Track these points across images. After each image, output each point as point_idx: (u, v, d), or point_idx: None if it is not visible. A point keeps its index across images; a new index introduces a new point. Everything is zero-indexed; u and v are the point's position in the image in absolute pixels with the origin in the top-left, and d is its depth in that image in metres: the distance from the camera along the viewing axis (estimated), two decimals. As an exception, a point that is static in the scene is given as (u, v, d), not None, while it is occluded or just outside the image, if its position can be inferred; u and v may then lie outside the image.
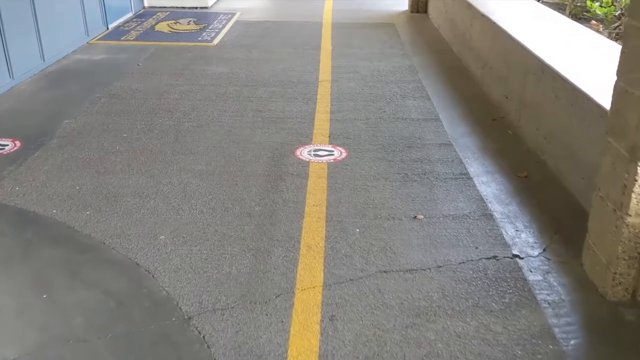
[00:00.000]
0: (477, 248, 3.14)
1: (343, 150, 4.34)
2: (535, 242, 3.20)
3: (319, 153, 4.31)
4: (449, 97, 5.55)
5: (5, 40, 5.46)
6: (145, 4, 9.48)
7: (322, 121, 4.93)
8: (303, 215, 3.45)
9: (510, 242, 3.20)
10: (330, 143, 4.49)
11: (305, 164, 4.11)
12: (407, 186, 3.81)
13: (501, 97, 5.16)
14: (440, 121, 4.94)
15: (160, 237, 3.20)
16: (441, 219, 3.43)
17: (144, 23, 8.38)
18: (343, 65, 6.55)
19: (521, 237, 3.25)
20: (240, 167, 4.05)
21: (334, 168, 4.06)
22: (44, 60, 6.18)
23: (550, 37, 4.97)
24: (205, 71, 6.22)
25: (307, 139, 4.55)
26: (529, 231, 3.31)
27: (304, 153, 4.30)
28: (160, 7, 9.45)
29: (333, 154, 4.29)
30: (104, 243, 3.14)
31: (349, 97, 5.50)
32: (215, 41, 7.47)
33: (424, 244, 3.17)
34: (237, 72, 6.22)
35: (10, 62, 5.56)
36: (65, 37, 6.70)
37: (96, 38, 7.46)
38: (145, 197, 3.62)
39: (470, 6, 6.49)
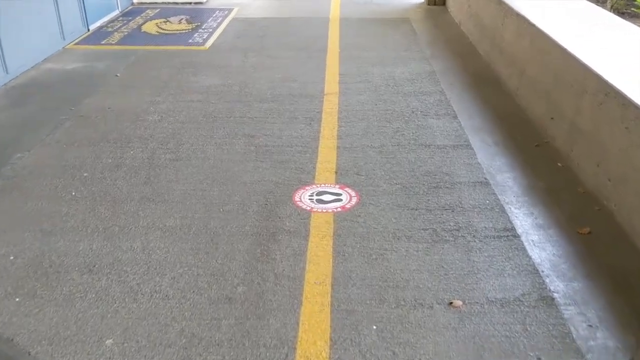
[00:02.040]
0: (539, 359, 2.28)
1: (353, 194, 3.49)
2: (617, 348, 2.33)
3: (323, 198, 3.46)
4: (478, 114, 4.66)
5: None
6: (135, 0, 8.60)
7: (327, 150, 4.06)
8: (301, 301, 2.60)
9: (584, 348, 2.33)
10: (337, 182, 3.63)
11: (306, 216, 3.26)
12: (436, 250, 2.95)
13: (544, 116, 4.26)
14: (472, 148, 4.06)
15: (107, 342, 2.37)
16: (486, 306, 2.56)
17: (130, 23, 7.51)
18: (352, 72, 5.66)
19: (597, 337, 2.39)
20: (224, 222, 3.20)
21: (341, 222, 3.20)
22: (7, 72, 5.34)
23: (608, 44, 4.05)
24: (192, 83, 5.36)
25: (308, 177, 3.69)
26: (606, 327, 2.44)
27: (304, 198, 3.45)
28: (150, 3, 8.57)
29: (341, 199, 3.44)
30: (29, 353, 2.32)
31: (359, 116, 4.63)
32: (208, 44, 6.59)
33: (466, 353, 2.31)
34: (229, 83, 5.35)
35: (-39, 78, 4.75)
36: (35, 43, 5.84)
37: (73, 42, 6.60)
38: (96, 273, 2.79)
39: (500, 1, 5.56)
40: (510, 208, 3.33)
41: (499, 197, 3.44)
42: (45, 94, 5.09)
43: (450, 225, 3.16)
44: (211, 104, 4.87)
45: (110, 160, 3.89)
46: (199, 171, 3.76)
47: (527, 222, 3.19)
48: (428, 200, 3.41)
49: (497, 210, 3.30)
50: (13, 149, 4.05)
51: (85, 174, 3.71)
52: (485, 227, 3.14)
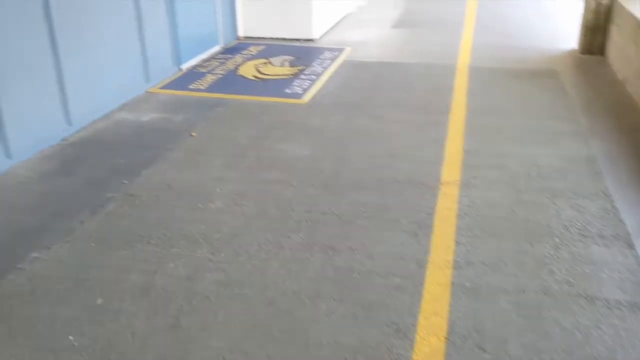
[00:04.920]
0: None
1: (471, 393, 2.21)
2: None
3: (423, 395, 2.22)
4: (667, 242, 3.19)
5: (-1, 107, 3.92)
6: (240, 34, 7.79)
7: (436, 288, 2.81)
8: None
9: None
10: (446, 361, 2.38)
11: None
12: None
13: None
14: (663, 314, 2.63)
15: None
16: None
17: (228, 62, 6.67)
18: (481, 149, 4.35)
19: None
20: None
21: None
22: (70, 124, 4.59)
23: None
24: (276, 152, 4.32)
25: (404, 344, 2.46)
26: None
27: (392, 392, 2.23)
28: (256, 38, 7.72)
29: (450, 403, 2.18)
30: None
31: (488, 228, 3.32)
32: (307, 96, 5.55)
33: None
34: (321, 156, 4.25)
35: (6, 135, 4.01)
36: (111, 87, 5.08)
37: (159, 85, 5.82)
38: None
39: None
40: None
41: None
42: (103, 157, 4.25)
43: None
44: (291, 187, 3.79)
45: (139, 278, 2.89)
46: (249, 312, 2.65)
47: None
48: None
49: None
50: (30, 244, 3.18)
51: (99, 301, 2.73)
52: None
